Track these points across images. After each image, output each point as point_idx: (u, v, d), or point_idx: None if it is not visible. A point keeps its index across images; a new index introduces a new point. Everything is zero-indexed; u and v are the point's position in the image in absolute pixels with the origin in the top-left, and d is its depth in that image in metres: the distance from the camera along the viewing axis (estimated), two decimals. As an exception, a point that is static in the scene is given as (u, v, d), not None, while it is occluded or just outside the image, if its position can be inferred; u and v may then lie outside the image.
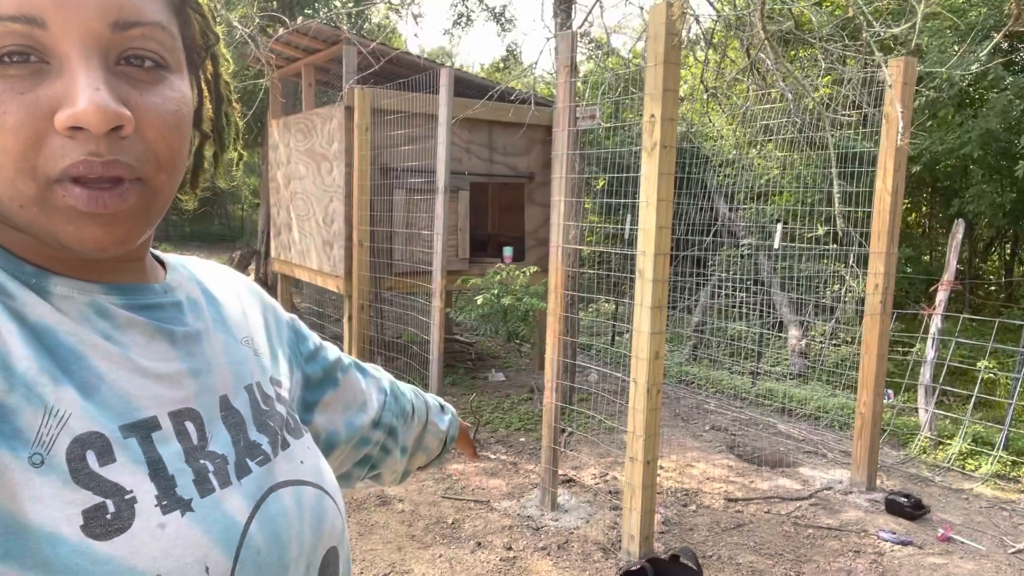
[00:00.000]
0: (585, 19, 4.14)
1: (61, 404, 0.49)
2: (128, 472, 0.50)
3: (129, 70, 0.53)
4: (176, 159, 0.56)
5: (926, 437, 5.16)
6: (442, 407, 1.16)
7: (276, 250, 7.90)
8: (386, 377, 1.03)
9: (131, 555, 0.47)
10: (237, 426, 0.61)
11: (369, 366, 1.01)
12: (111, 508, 0.48)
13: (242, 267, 13.06)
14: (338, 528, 0.66)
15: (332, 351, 0.90)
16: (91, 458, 0.49)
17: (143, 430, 0.53)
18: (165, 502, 0.50)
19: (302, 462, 0.65)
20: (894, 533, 3.74)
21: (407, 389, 1.07)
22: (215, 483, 0.55)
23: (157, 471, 0.52)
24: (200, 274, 0.71)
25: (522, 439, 5.04)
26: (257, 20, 6.58)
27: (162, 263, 0.67)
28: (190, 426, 0.57)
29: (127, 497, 0.49)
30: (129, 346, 0.56)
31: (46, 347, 0.51)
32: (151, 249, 0.68)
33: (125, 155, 0.51)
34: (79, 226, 0.51)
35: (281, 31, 6.31)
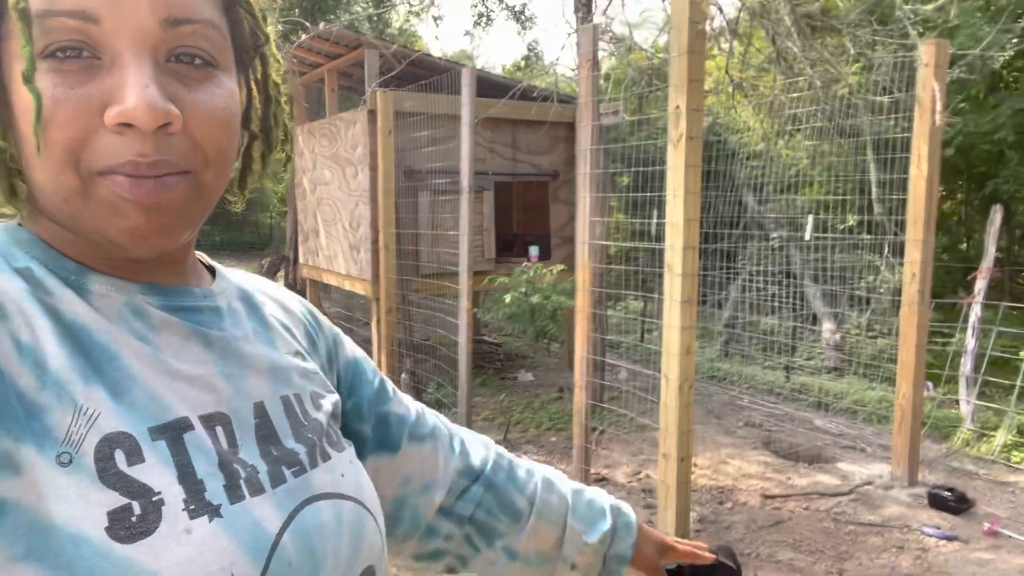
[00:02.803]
0: (605, 10, 4.10)
1: (91, 403, 0.48)
2: (157, 473, 0.49)
3: (179, 67, 0.53)
4: (224, 156, 0.56)
5: (968, 429, 5.02)
6: (605, 512, 0.89)
7: (304, 256, 7.96)
8: (491, 463, 0.86)
9: (154, 560, 0.45)
10: (271, 434, 0.59)
11: (474, 445, 0.87)
12: (137, 510, 0.46)
13: (271, 274, 13.21)
14: (377, 546, 0.63)
15: (408, 412, 0.80)
16: (119, 458, 0.48)
17: (173, 432, 0.52)
18: (193, 506, 0.49)
19: (343, 475, 0.63)
20: (938, 528, 3.63)
21: (533, 483, 0.87)
22: (246, 490, 0.53)
23: (186, 474, 0.50)
24: (248, 286, 0.70)
25: (553, 439, 5.01)
26: (279, 26, 6.64)
27: (212, 271, 0.67)
28: (220, 431, 0.55)
29: (154, 499, 0.48)
30: (162, 347, 0.55)
31: (80, 345, 0.51)
32: (204, 257, 0.68)
33: (172, 153, 0.51)
34: (124, 216, 0.51)
35: (304, 37, 6.36)
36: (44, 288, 0.51)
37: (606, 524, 0.89)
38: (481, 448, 0.89)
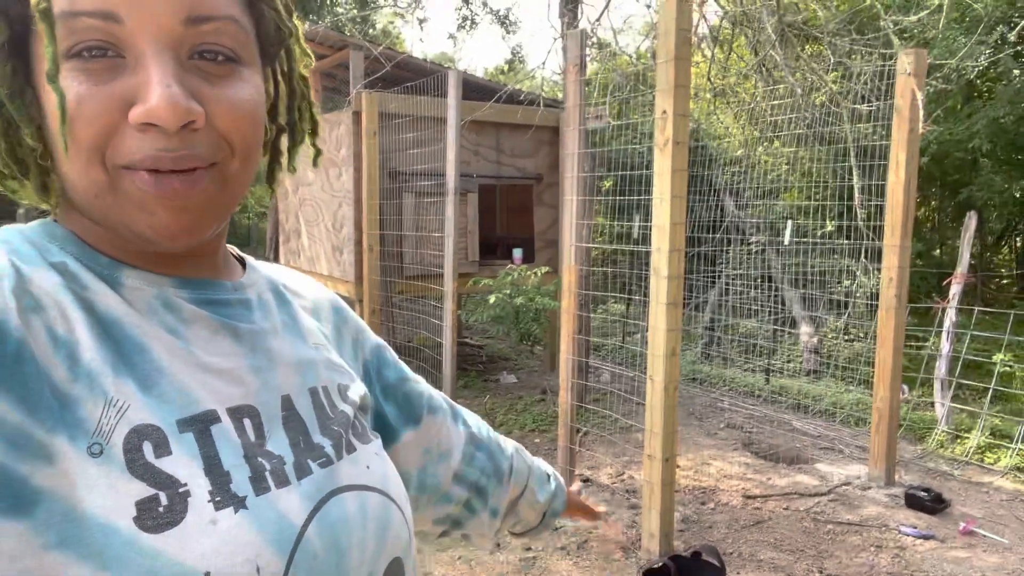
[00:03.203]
0: (599, 17, 4.14)
1: (121, 395, 0.49)
2: (183, 465, 0.50)
3: (202, 64, 0.53)
4: (250, 147, 0.56)
5: (943, 431, 5.12)
6: (549, 476, 1.07)
7: (285, 257, 7.91)
8: (485, 431, 0.96)
9: (180, 550, 0.46)
10: (298, 427, 0.60)
11: (468, 415, 0.95)
12: (164, 501, 0.47)
13: (251, 275, 13.07)
14: (404, 539, 0.64)
15: (422, 387, 0.86)
16: (147, 449, 0.49)
17: (200, 424, 0.52)
18: (219, 498, 0.50)
19: (368, 467, 0.63)
20: (915, 527, 3.71)
21: (510, 447, 1.00)
22: (271, 482, 0.54)
23: (212, 466, 0.51)
24: (278, 279, 0.71)
25: (536, 440, 5.03)
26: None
27: (244, 264, 0.68)
28: (248, 423, 0.56)
29: (180, 490, 0.48)
30: (192, 340, 0.56)
31: (112, 338, 0.51)
32: (235, 249, 0.68)
33: (197, 147, 0.52)
34: (151, 213, 0.52)
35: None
36: (79, 282, 0.52)
37: (552, 485, 1.07)
38: (475, 418, 0.98)
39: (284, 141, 0.66)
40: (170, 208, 0.52)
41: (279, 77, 0.64)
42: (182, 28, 0.51)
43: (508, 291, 5.52)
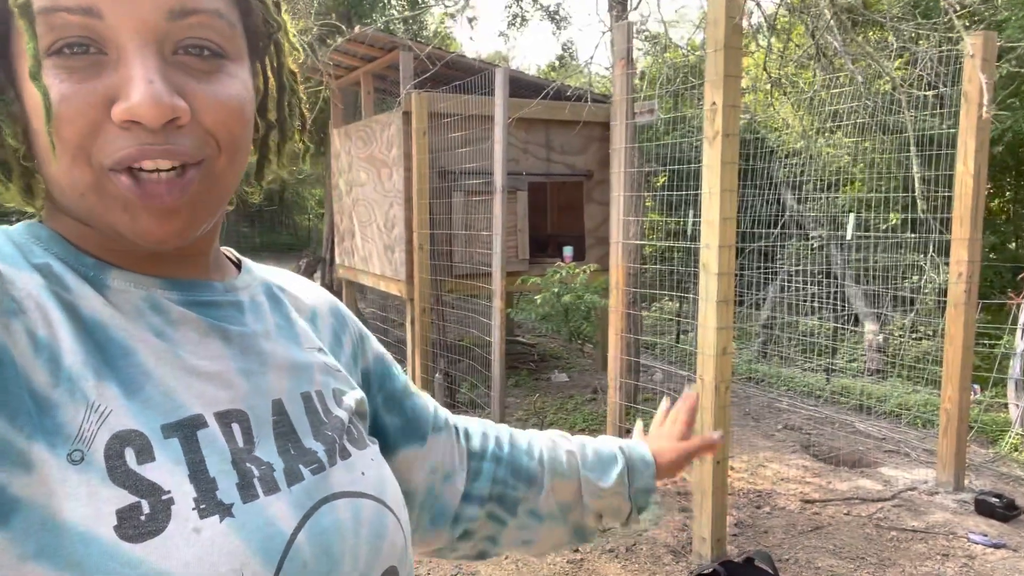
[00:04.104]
0: (637, 6, 4.06)
1: (102, 400, 0.48)
2: (167, 472, 0.48)
3: (187, 59, 0.52)
4: (237, 144, 0.55)
5: (1017, 434, 4.85)
6: (616, 456, 0.92)
7: (340, 256, 8.04)
8: (492, 441, 0.88)
9: (163, 559, 0.45)
10: (289, 432, 0.58)
11: (472, 428, 0.89)
12: (146, 509, 0.46)
13: (308, 275, 13.38)
14: (399, 546, 0.62)
15: (427, 404, 0.82)
16: (129, 456, 0.47)
17: (186, 429, 0.51)
18: (203, 505, 0.48)
19: (363, 474, 0.61)
20: (985, 535, 3.52)
21: (538, 446, 0.90)
22: (260, 489, 0.52)
23: (197, 472, 0.49)
24: (273, 281, 0.69)
25: (587, 440, 4.98)
26: (315, 29, 6.72)
27: (239, 265, 0.66)
28: (236, 428, 0.54)
29: (164, 498, 0.47)
30: (180, 343, 0.54)
31: (96, 341, 0.50)
32: (231, 251, 0.67)
33: (183, 142, 0.51)
34: (135, 217, 0.51)
35: (340, 40, 6.42)
36: (62, 284, 0.51)
37: (618, 465, 0.91)
38: (480, 428, 0.90)
39: (273, 138, 0.64)
40: (156, 212, 0.51)
41: (268, 72, 0.62)
42: (165, 22, 0.50)
43: (556, 289, 5.47)
